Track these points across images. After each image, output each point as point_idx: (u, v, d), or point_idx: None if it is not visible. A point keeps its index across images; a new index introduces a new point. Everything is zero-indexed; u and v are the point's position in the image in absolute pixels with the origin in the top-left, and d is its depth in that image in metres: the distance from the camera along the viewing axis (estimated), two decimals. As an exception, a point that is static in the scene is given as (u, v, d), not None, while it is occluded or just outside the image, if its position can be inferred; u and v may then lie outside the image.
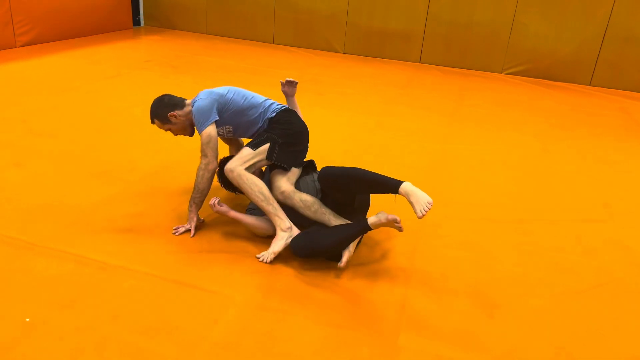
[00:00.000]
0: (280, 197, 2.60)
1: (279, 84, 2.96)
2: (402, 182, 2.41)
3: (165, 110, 2.73)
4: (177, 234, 2.70)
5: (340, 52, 8.14)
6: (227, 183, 2.87)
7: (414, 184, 2.39)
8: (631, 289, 2.53)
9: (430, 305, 2.30)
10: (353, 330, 2.11)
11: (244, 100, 2.77)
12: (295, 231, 2.55)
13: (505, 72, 7.51)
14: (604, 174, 3.99)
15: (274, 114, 2.80)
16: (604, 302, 2.42)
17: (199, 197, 2.69)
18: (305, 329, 2.09)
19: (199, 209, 2.73)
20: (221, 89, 2.76)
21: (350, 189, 2.52)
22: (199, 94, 2.74)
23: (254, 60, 7.12)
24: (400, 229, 2.40)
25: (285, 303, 2.24)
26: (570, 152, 4.43)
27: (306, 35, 8.22)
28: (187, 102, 2.78)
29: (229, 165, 2.60)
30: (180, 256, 2.52)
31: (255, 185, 2.56)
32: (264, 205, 2.55)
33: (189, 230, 2.72)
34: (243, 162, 2.61)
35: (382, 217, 2.38)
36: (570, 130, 5.06)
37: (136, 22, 9.08)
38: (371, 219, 2.42)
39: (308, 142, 2.87)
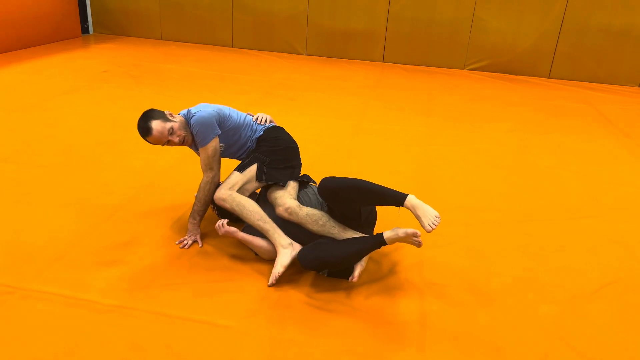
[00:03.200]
0: (284, 214, 2.46)
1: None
2: (406, 195, 2.32)
3: (160, 112, 2.53)
4: (186, 247, 2.63)
5: (302, 54, 8.01)
6: (221, 209, 2.73)
7: (405, 190, 2.33)
8: (637, 287, 2.55)
9: (450, 320, 2.22)
10: (378, 357, 2.00)
11: (239, 117, 2.66)
12: (297, 247, 2.43)
13: (467, 68, 7.60)
14: (583, 168, 4.05)
15: (262, 132, 2.73)
16: (615, 303, 2.41)
17: (203, 210, 2.64)
18: (329, 360, 1.97)
19: (201, 220, 2.70)
20: (216, 105, 2.63)
21: (353, 201, 2.40)
22: (194, 107, 2.60)
23: (215, 65, 6.89)
24: (419, 244, 2.30)
25: (302, 334, 2.10)
26: (547, 146, 4.48)
27: (266, 37, 8.05)
28: (171, 114, 2.60)
29: (220, 195, 2.50)
30: (180, 288, 2.34)
31: (250, 205, 2.48)
32: (260, 224, 2.45)
33: (196, 242, 2.67)
34: (231, 186, 2.51)
35: (400, 232, 2.29)
36: (542, 124, 5.15)
37: (85, 30, 8.64)
38: (387, 233, 2.32)
39: (300, 157, 2.79)
